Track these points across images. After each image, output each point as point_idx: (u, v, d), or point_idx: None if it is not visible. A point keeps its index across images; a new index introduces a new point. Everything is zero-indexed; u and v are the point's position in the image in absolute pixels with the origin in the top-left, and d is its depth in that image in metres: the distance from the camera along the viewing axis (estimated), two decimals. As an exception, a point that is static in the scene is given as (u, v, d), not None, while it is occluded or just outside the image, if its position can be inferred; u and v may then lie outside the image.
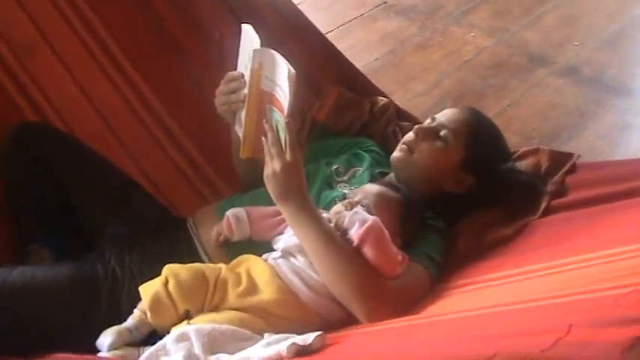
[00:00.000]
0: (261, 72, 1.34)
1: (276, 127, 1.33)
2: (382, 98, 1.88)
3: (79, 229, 1.63)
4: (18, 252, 1.58)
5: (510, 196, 1.60)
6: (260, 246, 1.47)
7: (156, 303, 1.29)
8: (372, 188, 1.47)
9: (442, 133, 1.57)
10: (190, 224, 1.60)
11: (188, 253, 1.52)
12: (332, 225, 1.40)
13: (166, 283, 1.30)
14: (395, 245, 1.39)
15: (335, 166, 1.68)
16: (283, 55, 1.32)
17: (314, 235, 1.34)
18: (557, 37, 2.99)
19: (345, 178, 1.66)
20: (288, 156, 1.32)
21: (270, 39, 1.83)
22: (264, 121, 1.34)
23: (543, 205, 1.55)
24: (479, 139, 1.59)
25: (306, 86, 1.87)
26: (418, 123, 1.87)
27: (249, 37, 1.39)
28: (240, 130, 1.44)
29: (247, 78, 1.40)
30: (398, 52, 2.90)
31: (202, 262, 1.50)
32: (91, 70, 1.83)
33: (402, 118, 1.89)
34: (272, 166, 1.32)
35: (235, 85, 1.44)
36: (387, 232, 1.35)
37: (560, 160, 1.66)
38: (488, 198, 1.60)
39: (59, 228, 1.61)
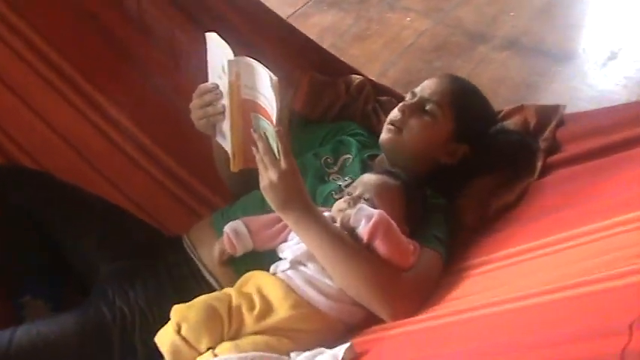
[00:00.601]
0: (240, 82, 1.28)
1: (265, 135, 1.28)
2: (356, 76, 1.81)
3: (70, 272, 1.56)
4: (10, 307, 1.51)
5: (505, 158, 1.58)
6: (266, 255, 1.42)
7: (175, 353, 1.25)
8: (371, 179, 1.43)
9: (428, 107, 1.53)
10: (187, 244, 1.54)
11: (192, 277, 1.47)
12: (337, 224, 1.36)
13: (179, 329, 1.25)
14: (403, 234, 1.36)
15: (323, 157, 1.62)
16: (259, 60, 1.26)
17: (322, 240, 1.30)
18: (492, 12, 2.96)
19: (336, 168, 1.61)
20: (283, 164, 1.27)
21: (236, 38, 1.76)
22: (251, 130, 1.29)
23: (539, 164, 1.53)
24: (465, 106, 1.55)
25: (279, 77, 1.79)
26: (397, 96, 1.83)
27: (218, 46, 1.31)
28: (224, 142, 1.38)
29: (223, 89, 1.33)
30: (338, 46, 2.80)
31: (208, 283, 1.46)
32: (48, 98, 1.72)
33: (379, 93, 1.83)
34: (268, 176, 1.27)
35: (210, 98, 1.37)
36: (394, 224, 1.32)
37: (547, 113, 1.63)
38: (484, 164, 1.57)
39: (49, 274, 1.54)
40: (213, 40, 1.33)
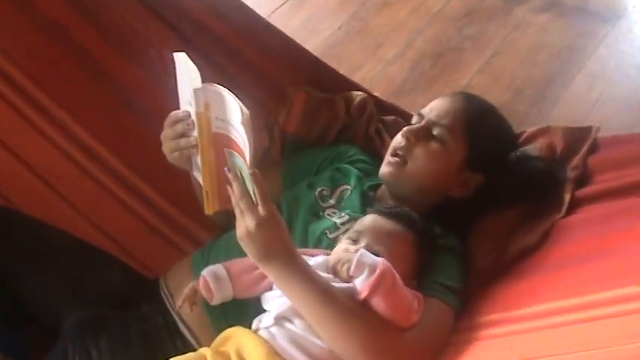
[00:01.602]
0: (210, 114, 1.10)
1: (241, 174, 1.09)
2: (358, 93, 1.61)
3: (35, 321, 1.38)
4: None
5: (526, 190, 1.36)
6: (250, 304, 1.23)
7: None
8: (379, 226, 1.22)
9: (436, 131, 1.33)
10: (164, 291, 1.36)
11: (166, 330, 1.30)
12: (330, 272, 1.16)
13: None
14: (409, 287, 1.17)
15: (318, 189, 1.43)
16: (230, 90, 1.08)
17: (308, 296, 1.11)
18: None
19: (332, 201, 1.42)
20: (261, 210, 1.08)
21: (219, 49, 1.59)
22: (225, 169, 1.10)
23: (567, 197, 1.32)
24: (479, 129, 1.35)
25: (269, 96, 1.61)
26: (404, 115, 1.63)
27: (186, 70, 1.13)
28: (200, 178, 1.19)
29: (194, 118, 1.14)
30: (361, 15, 2.62)
31: (183, 338, 1.30)
32: (11, 122, 1.54)
33: (384, 112, 1.63)
34: (245, 224, 1.09)
35: (182, 128, 1.19)
36: (399, 278, 1.12)
37: (578, 137, 1.42)
38: (501, 197, 1.36)
39: (11, 323, 1.36)
40: (181, 61, 1.14)
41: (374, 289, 1.09)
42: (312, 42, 2.38)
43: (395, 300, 1.11)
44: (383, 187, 1.41)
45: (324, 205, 1.40)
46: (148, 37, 1.59)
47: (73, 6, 1.54)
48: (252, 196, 1.08)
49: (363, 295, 1.10)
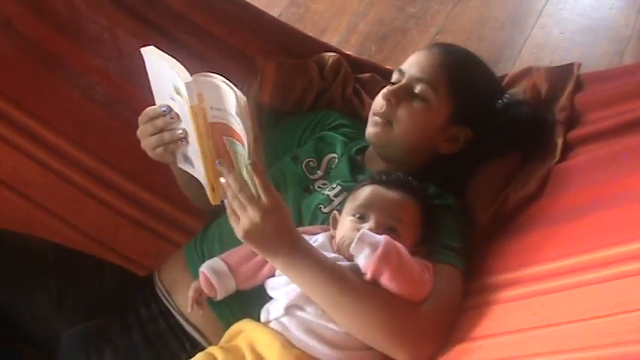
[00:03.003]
0: (204, 105, 1.03)
1: (241, 163, 1.05)
2: (330, 54, 1.54)
3: (27, 342, 1.32)
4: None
5: (517, 137, 1.33)
6: (253, 293, 1.20)
7: None
8: (388, 198, 1.16)
9: (417, 89, 1.28)
10: (160, 289, 1.31)
11: (170, 332, 1.25)
12: (335, 250, 1.13)
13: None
14: (420, 254, 1.15)
15: (304, 161, 1.38)
16: (224, 76, 1.03)
17: (321, 283, 1.08)
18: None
19: (320, 172, 1.37)
20: (265, 200, 1.03)
21: (176, 24, 1.50)
22: (217, 163, 1.06)
23: (560, 141, 1.29)
24: (463, 81, 1.30)
25: (239, 67, 1.53)
26: (379, 70, 1.57)
27: (162, 62, 1.06)
28: (193, 170, 1.15)
29: (180, 111, 1.09)
30: (300, 1, 2.50)
31: (190, 337, 1.25)
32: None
33: (359, 70, 1.56)
34: (249, 217, 1.03)
35: (163, 123, 1.12)
36: (404, 253, 1.09)
37: (560, 76, 1.38)
38: (493, 147, 1.33)
39: (5, 347, 1.29)
40: (152, 54, 1.06)
41: (379, 270, 1.06)
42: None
43: (404, 277, 1.07)
44: (370, 148, 1.37)
45: (313, 177, 1.35)
46: (99, 21, 1.48)
47: None
48: (252, 187, 1.03)
49: (367, 274, 1.07)
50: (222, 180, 1.06)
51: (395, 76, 1.33)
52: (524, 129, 1.33)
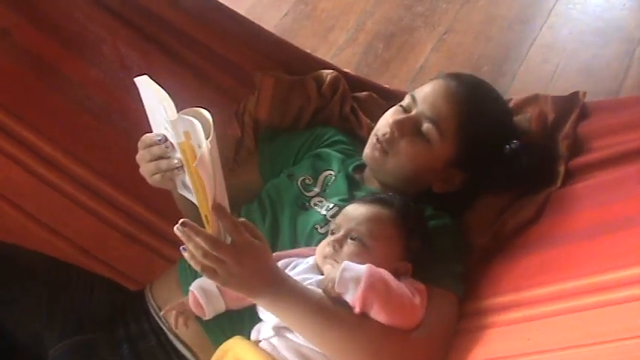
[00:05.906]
0: (192, 142, 1.00)
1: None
2: (328, 71, 1.53)
3: (18, 354, 1.30)
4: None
5: (518, 180, 1.30)
6: (245, 313, 1.18)
7: None
8: (358, 212, 1.16)
9: (424, 127, 1.25)
10: (152, 305, 1.29)
11: (161, 350, 1.23)
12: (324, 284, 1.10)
13: None
14: (407, 274, 1.12)
15: (300, 178, 1.36)
16: (204, 108, 1.00)
17: (307, 319, 1.06)
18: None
19: (317, 189, 1.35)
20: (233, 243, 1.00)
21: (176, 39, 1.49)
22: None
23: (562, 170, 1.27)
24: (472, 132, 1.25)
25: (238, 83, 1.52)
26: (377, 89, 1.56)
27: (152, 95, 1.03)
28: (191, 196, 1.11)
29: (173, 141, 1.06)
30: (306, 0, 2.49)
31: (180, 355, 1.23)
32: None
33: (356, 88, 1.55)
34: (224, 268, 1.00)
35: (159, 151, 1.10)
36: (389, 280, 1.06)
37: (566, 105, 1.36)
38: (490, 187, 1.31)
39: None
40: (145, 85, 1.04)
41: (365, 302, 1.04)
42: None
43: (394, 306, 1.05)
44: (367, 168, 1.36)
45: (309, 194, 1.34)
46: (99, 33, 1.47)
47: (14, 9, 1.42)
48: (222, 234, 1.01)
49: (356, 310, 1.05)
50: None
51: (406, 101, 1.29)
52: (528, 174, 1.29)
